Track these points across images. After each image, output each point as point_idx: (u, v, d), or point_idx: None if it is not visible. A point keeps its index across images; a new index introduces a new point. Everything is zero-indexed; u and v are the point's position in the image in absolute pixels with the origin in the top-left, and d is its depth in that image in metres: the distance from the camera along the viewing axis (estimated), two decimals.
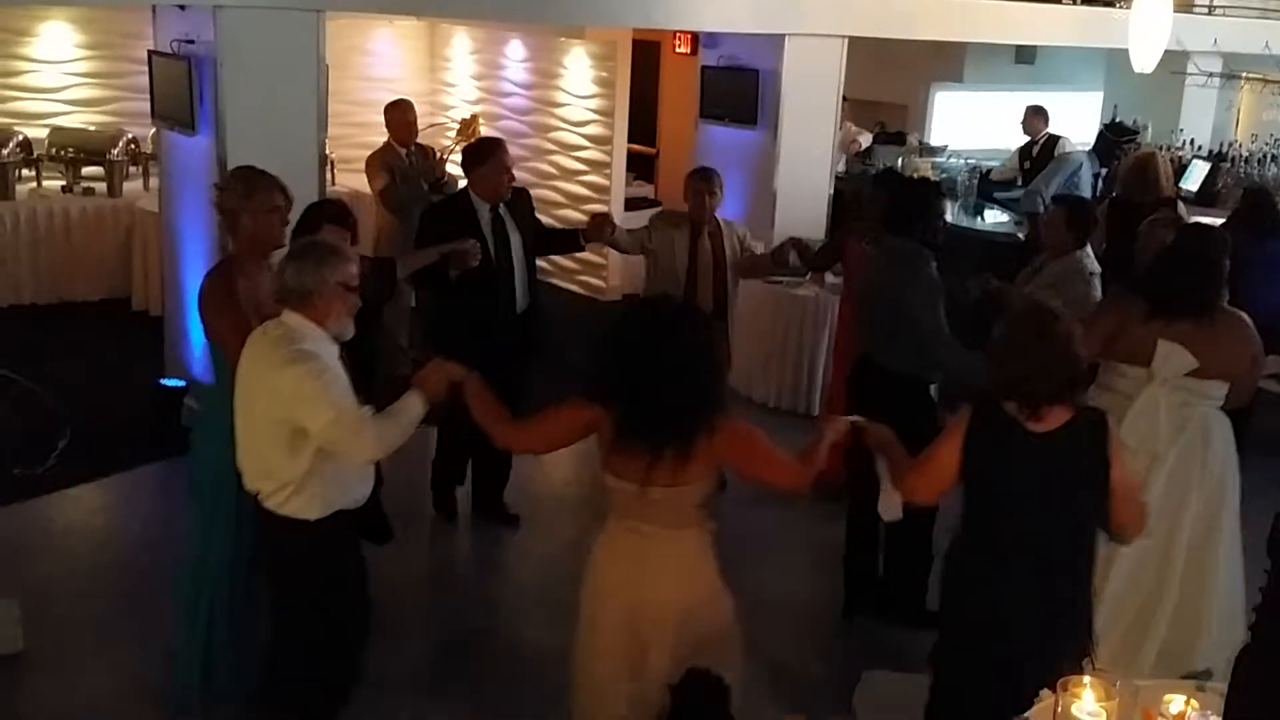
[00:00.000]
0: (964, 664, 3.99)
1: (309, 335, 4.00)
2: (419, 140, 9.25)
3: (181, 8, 7.10)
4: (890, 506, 4.37)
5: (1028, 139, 10.74)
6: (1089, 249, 6.62)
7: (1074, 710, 3.22)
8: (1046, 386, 3.76)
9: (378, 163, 8.89)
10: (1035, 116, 10.69)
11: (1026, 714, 3.48)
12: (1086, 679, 3.20)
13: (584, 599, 4.06)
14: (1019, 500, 3.84)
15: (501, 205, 6.34)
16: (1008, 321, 3.93)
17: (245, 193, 4.67)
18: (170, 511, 6.93)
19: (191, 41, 7.08)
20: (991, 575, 3.90)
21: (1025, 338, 3.81)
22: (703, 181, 6.88)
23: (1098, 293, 6.49)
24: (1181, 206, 8.33)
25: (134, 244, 10.09)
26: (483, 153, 6.38)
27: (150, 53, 7.60)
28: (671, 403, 3.73)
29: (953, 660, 4.07)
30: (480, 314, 6.20)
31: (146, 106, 7.87)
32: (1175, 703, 3.26)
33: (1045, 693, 3.51)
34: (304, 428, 3.92)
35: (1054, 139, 10.66)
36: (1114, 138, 9.63)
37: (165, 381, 7.73)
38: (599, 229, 6.70)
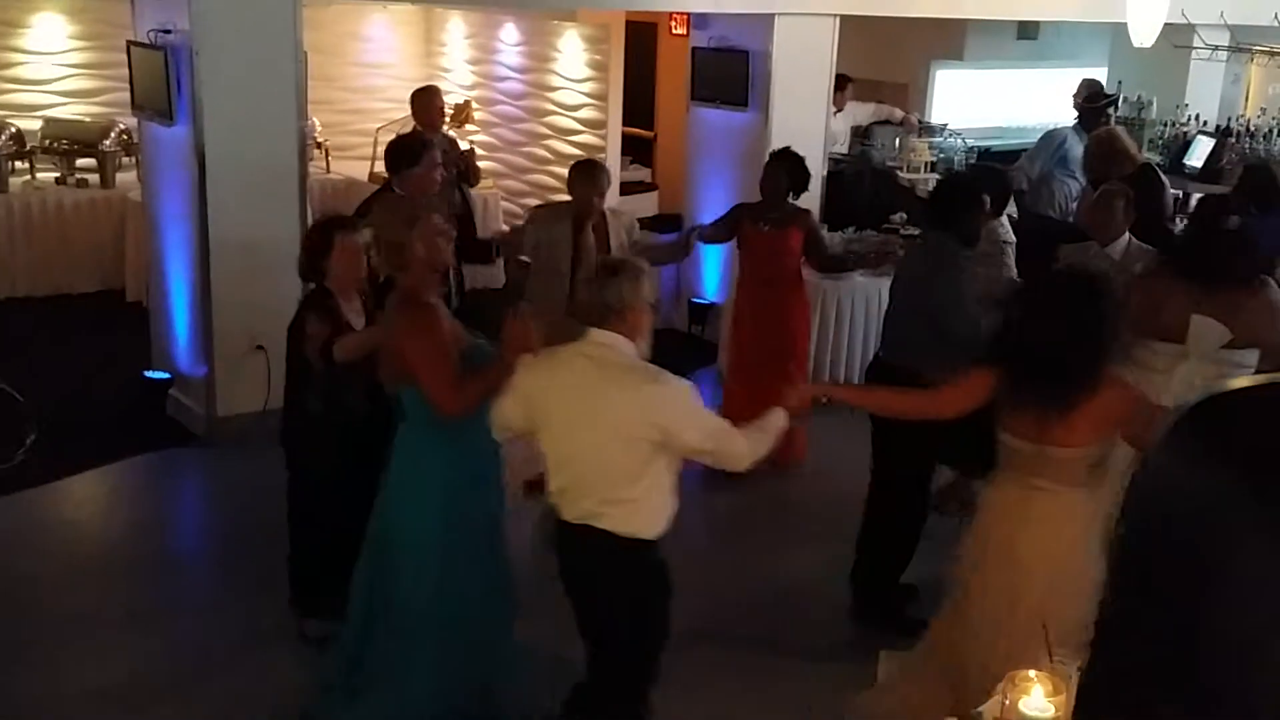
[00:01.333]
0: None
1: (632, 351, 4.02)
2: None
3: None
4: None
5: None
6: (1004, 219, 6.58)
7: (1022, 706, 3.15)
8: None
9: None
10: (1087, 89, 10.48)
11: (980, 709, 3.40)
12: (1033, 673, 3.13)
13: (967, 545, 4.32)
14: None
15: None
16: None
17: (409, 222, 4.55)
18: (151, 504, 6.95)
19: (168, 31, 7.04)
20: None
21: None
22: (589, 181, 6.50)
23: (1012, 261, 6.44)
24: (1160, 174, 8.22)
25: (127, 235, 10.03)
26: (414, 152, 6.12)
27: (129, 43, 7.55)
28: (1052, 363, 3.99)
29: None
30: None
31: None
32: None
33: (997, 686, 3.43)
34: (665, 442, 3.93)
35: None
36: (1093, 106, 9.45)
37: (150, 374, 7.70)
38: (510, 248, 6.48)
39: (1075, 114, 9.94)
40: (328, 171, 11.10)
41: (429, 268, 4.52)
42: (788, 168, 7.09)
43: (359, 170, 11.05)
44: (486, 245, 6.58)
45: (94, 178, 10.34)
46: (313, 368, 5.04)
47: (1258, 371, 5.15)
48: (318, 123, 10.86)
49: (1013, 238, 6.54)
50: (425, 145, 6.19)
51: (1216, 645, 1.22)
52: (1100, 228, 6.01)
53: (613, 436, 3.93)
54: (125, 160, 10.44)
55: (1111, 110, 9.74)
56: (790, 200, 7.13)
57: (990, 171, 7.15)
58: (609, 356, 3.98)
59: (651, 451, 3.94)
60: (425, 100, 8.57)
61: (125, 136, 10.28)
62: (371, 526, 4.70)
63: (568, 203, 6.65)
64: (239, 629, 5.47)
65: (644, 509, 4.01)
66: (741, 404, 6.90)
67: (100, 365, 8.54)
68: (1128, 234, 6.02)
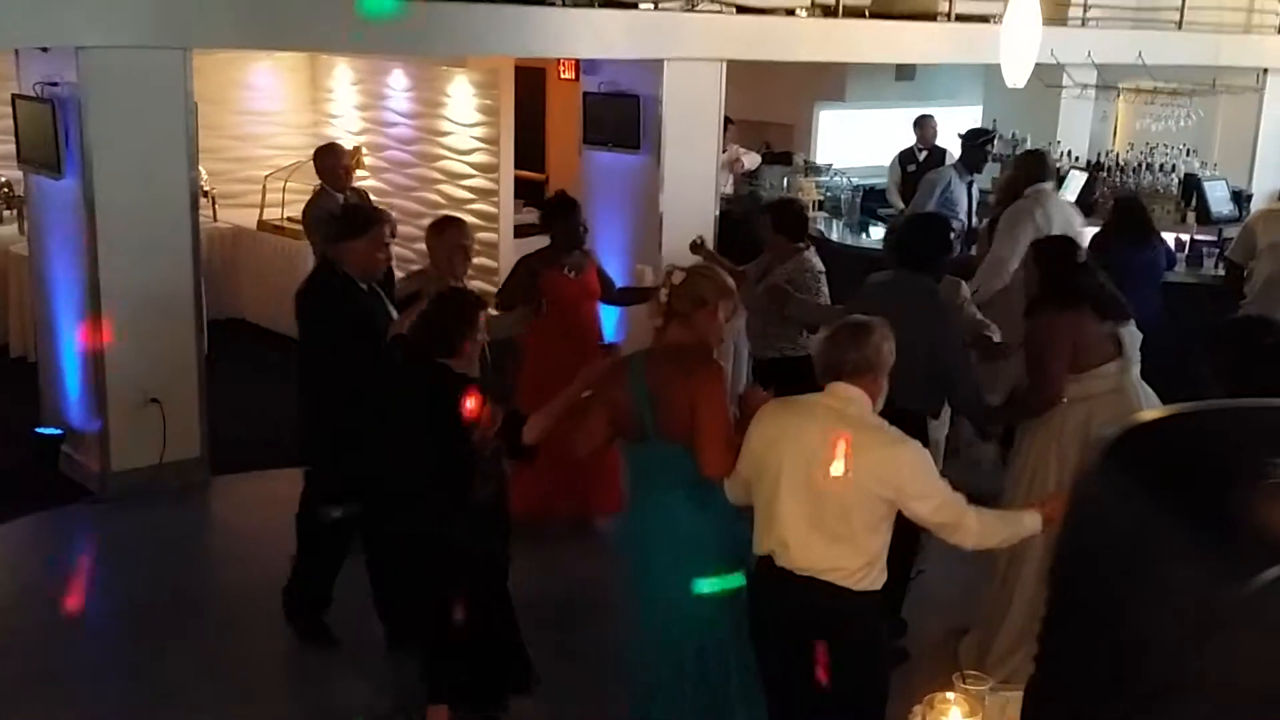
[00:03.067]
0: None
1: (870, 409, 3.98)
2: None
3: (44, 50, 6.96)
4: None
5: (911, 146, 10.93)
6: (814, 249, 6.74)
7: None
8: None
9: (312, 214, 7.80)
10: (925, 124, 10.87)
11: None
12: (951, 695, 3.23)
13: None
14: None
15: (374, 284, 5.52)
16: None
17: (725, 289, 4.52)
18: (45, 564, 6.77)
19: (55, 84, 6.94)
20: None
21: None
22: (461, 234, 5.96)
23: (825, 288, 6.57)
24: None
25: (10, 289, 9.81)
26: (362, 223, 5.46)
27: (14, 96, 7.43)
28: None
29: None
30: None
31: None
32: None
33: (917, 709, 3.52)
34: (897, 502, 3.89)
35: (940, 152, 10.79)
36: (972, 143, 9.79)
37: (41, 430, 7.55)
38: None
39: (920, 148, 10.37)
40: (215, 220, 10.98)
41: (723, 333, 4.57)
42: (579, 211, 6.95)
43: (246, 219, 10.97)
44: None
45: None
46: (476, 451, 4.67)
47: None
48: (204, 171, 10.74)
49: (822, 267, 6.65)
50: (375, 218, 5.58)
51: (1153, 652, 1.32)
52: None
53: (854, 490, 3.89)
54: (6, 213, 10.23)
55: (989, 146, 10.05)
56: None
57: (781, 205, 7.24)
58: (851, 410, 3.96)
59: (887, 509, 3.93)
60: (329, 158, 8.08)
61: (6, 189, 10.08)
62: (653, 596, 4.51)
63: (425, 270, 6.11)
64: (144, 695, 5.31)
65: (878, 563, 3.98)
66: (540, 489, 6.48)
67: None
68: None
